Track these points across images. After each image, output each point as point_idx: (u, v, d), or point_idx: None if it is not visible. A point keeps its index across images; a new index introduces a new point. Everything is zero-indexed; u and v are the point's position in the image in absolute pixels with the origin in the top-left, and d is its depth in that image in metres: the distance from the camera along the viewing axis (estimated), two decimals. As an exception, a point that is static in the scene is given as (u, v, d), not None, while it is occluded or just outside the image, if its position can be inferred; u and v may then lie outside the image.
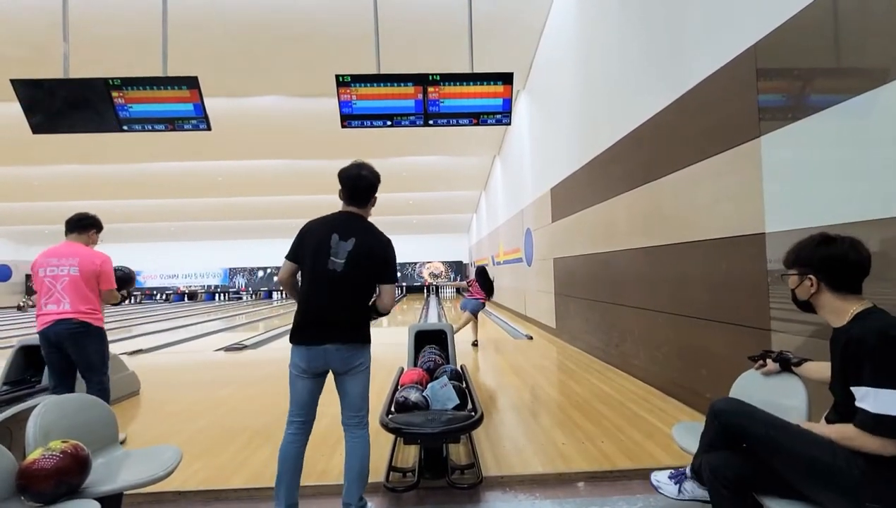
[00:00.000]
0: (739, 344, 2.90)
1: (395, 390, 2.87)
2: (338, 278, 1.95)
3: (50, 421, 1.71)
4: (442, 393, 2.40)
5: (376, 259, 2.02)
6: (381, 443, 2.82)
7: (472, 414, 2.32)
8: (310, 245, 2.00)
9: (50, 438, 1.64)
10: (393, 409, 2.47)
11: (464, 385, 2.81)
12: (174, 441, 3.16)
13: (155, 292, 25.04)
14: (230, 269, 25.41)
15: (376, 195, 2.15)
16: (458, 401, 2.39)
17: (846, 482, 1.36)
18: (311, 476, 2.44)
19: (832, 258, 1.50)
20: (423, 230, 24.34)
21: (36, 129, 4.38)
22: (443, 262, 25.29)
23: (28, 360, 3.60)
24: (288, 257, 2.05)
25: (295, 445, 1.99)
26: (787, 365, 1.85)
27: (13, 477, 1.50)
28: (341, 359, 1.97)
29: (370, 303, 2.07)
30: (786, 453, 1.47)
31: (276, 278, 2.03)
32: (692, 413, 3.31)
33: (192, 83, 4.27)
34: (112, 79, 4.23)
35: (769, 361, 1.92)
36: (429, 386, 2.49)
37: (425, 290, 24.68)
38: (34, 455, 1.52)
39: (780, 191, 2.61)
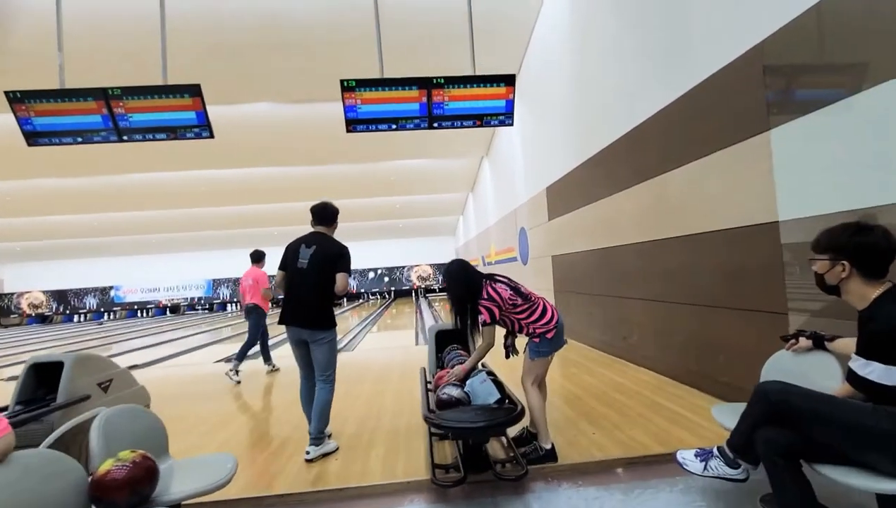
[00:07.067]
0: (757, 328, 3.02)
1: (428, 389, 2.89)
2: (304, 272, 2.85)
3: (110, 431, 1.69)
4: (482, 388, 2.44)
5: (331, 256, 2.87)
6: (417, 443, 2.86)
7: (514, 407, 2.36)
8: (289, 255, 2.96)
9: (113, 449, 1.62)
10: (434, 407, 2.48)
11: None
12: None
13: (136, 307, 24.35)
14: (214, 281, 24.89)
15: (337, 222, 3.10)
16: (499, 395, 2.43)
17: (892, 443, 1.47)
18: (352, 479, 2.47)
19: (866, 246, 1.64)
20: (410, 234, 24.26)
21: (31, 142, 4.27)
22: (430, 265, 25.29)
23: (39, 378, 3.46)
24: (280, 268, 3.01)
25: (305, 388, 3.00)
26: (820, 341, 1.96)
27: (86, 489, 1.48)
28: (308, 334, 2.84)
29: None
30: (832, 423, 1.59)
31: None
32: (710, 398, 3.42)
33: (194, 91, 4.21)
34: (112, 88, 4.14)
35: (802, 339, 2.02)
36: (468, 381, 2.52)
37: (414, 294, 24.64)
38: (106, 465, 1.50)
39: (791, 181, 2.74)
